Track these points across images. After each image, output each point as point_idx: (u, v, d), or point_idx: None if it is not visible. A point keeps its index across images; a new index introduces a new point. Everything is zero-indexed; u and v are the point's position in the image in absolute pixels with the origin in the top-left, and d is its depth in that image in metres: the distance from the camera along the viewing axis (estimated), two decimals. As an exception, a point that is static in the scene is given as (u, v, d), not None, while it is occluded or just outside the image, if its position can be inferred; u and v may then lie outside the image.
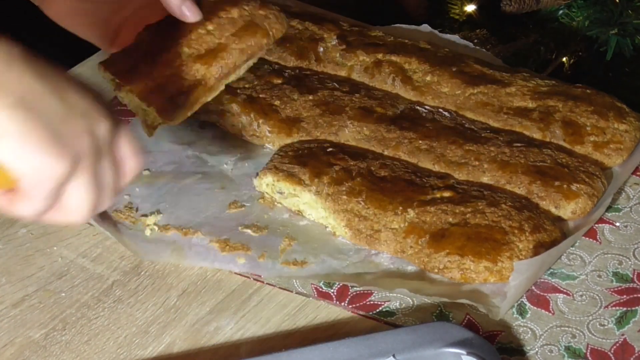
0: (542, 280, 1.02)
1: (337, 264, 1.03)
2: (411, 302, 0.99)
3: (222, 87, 1.02)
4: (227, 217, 1.08)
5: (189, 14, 0.98)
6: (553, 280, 1.02)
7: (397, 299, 1.00)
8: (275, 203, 1.09)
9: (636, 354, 0.95)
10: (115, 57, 1.01)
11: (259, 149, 1.16)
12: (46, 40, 1.33)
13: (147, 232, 1.06)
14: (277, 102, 1.16)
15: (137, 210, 1.08)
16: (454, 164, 1.10)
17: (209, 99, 1.01)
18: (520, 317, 0.98)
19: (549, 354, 0.95)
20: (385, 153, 1.12)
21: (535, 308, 0.99)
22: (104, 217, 1.07)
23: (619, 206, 1.09)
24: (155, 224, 1.07)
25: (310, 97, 1.16)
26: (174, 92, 0.98)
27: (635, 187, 1.11)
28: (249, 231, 1.06)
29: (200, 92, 1.00)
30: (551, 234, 1.03)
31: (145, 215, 1.08)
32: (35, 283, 1.02)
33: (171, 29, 1.00)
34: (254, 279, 1.03)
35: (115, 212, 1.08)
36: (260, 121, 1.16)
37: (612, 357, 0.95)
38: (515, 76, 1.19)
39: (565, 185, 1.07)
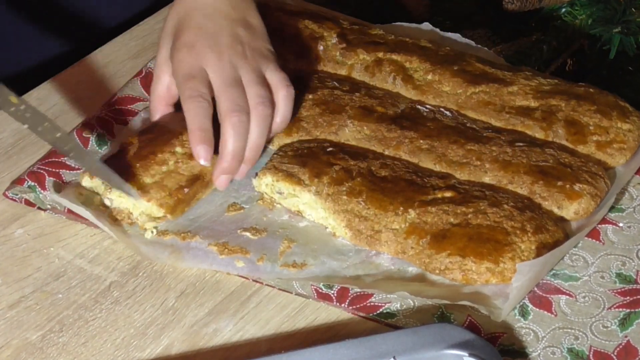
0: (544, 281, 1.01)
1: (337, 265, 1.03)
2: (412, 304, 0.99)
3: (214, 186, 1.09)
4: (225, 220, 1.07)
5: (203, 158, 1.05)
6: (555, 281, 1.01)
7: (397, 300, 0.99)
8: (275, 204, 1.09)
9: (640, 356, 0.94)
10: None
11: (258, 149, 1.15)
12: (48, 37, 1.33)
13: (148, 235, 1.06)
14: (276, 101, 1.16)
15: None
16: (456, 164, 1.09)
17: (205, 195, 1.09)
18: (522, 319, 0.98)
19: (551, 356, 0.94)
20: (386, 153, 1.11)
21: (537, 309, 0.98)
22: (102, 219, 1.06)
23: (622, 206, 1.08)
24: (155, 227, 1.06)
25: (310, 96, 1.16)
26: (173, 187, 1.06)
27: (638, 187, 1.10)
28: (247, 234, 1.05)
29: (199, 187, 1.08)
30: (554, 234, 1.02)
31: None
32: (31, 284, 1.02)
33: (157, 134, 1.08)
34: (253, 280, 1.02)
35: (111, 214, 1.07)
36: (260, 120, 1.15)
37: (615, 359, 0.94)
38: (517, 75, 1.18)
39: (568, 186, 1.06)
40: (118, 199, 1.06)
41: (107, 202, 1.07)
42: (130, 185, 1.04)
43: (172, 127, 1.09)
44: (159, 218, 1.06)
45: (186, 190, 1.06)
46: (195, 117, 1.05)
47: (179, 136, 1.08)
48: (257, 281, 1.02)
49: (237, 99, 1.05)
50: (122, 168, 1.06)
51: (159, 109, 1.12)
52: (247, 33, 1.10)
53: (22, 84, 1.21)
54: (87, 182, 1.08)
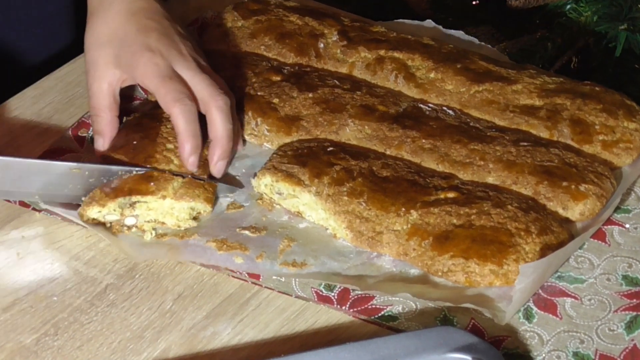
0: (549, 283, 1.00)
1: (338, 267, 1.02)
2: (414, 307, 0.98)
3: None
4: (224, 218, 1.07)
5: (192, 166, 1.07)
6: (560, 283, 1.00)
7: (399, 303, 0.98)
8: (274, 204, 1.08)
9: (646, 360, 0.93)
10: (106, 190, 1.06)
11: (257, 149, 1.14)
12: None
13: (147, 237, 1.05)
14: (275, 100, 1.15)
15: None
16: (459, 164, 1.08)
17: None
18: (526, 322, 0.97)
19: (556, 359, 0.93)
20: (388, 152, 1.10)
21: (542, 312, 0.98)
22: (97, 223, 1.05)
23: (629, 207, 1.08)
24: (153, 228, 1.05)
25: (310, 95, 1.15)
26: (201, 181, 1.07)
27: (645, 187, 1.10)
28: (247, 232, 1.05)
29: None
30: (558, 235, 1.02)
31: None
32: (26, 287, 1.01)
33: (135, 139, 1.09)
34: (252, 283, 1.01)
35: (107, 221, 1.06)
36: (259, 120, 1.14)
37: (622, 364, 0.93)
38: (521, 73, 1.18)
39: (573, 186, 1.05)
40: (145, 212, 1.05)
41: (129, 222, 1.05)
42: (163, 192, 1.05)
43: (141, 129, 1.09)
44: (194, 218, 1.06)
45: (209, 178, 1.08)
46: (187, 123, 1.06)
47: (159, 132, 1.08)
48: (256, 283, 1.01)
49: (211, 84, 1.09)
50: (137, 182, 1.05)
51: (108, 120, 1.11)
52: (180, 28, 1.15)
53: (17, 83, 1.21)
54: (94, 212, 1.05)
